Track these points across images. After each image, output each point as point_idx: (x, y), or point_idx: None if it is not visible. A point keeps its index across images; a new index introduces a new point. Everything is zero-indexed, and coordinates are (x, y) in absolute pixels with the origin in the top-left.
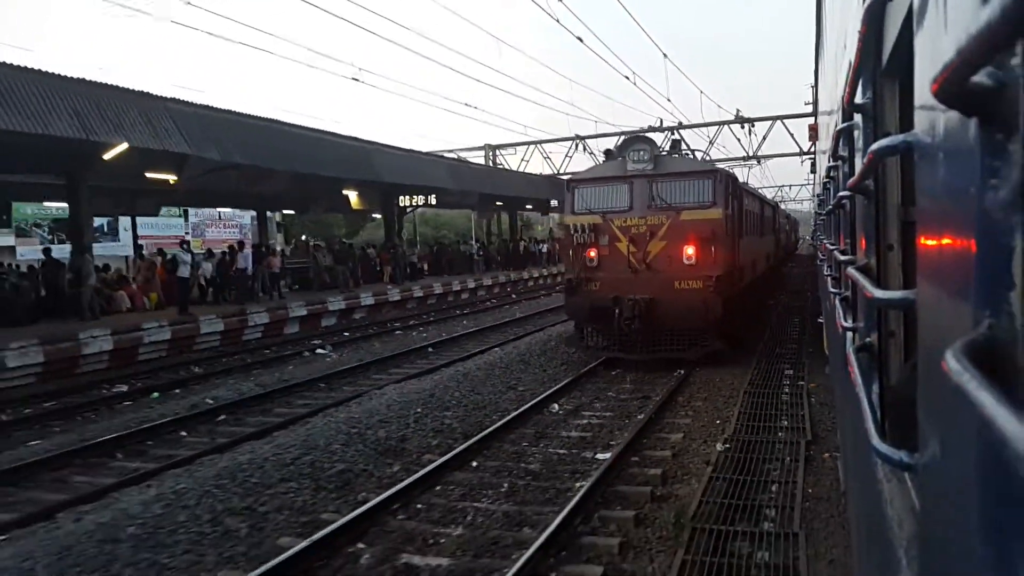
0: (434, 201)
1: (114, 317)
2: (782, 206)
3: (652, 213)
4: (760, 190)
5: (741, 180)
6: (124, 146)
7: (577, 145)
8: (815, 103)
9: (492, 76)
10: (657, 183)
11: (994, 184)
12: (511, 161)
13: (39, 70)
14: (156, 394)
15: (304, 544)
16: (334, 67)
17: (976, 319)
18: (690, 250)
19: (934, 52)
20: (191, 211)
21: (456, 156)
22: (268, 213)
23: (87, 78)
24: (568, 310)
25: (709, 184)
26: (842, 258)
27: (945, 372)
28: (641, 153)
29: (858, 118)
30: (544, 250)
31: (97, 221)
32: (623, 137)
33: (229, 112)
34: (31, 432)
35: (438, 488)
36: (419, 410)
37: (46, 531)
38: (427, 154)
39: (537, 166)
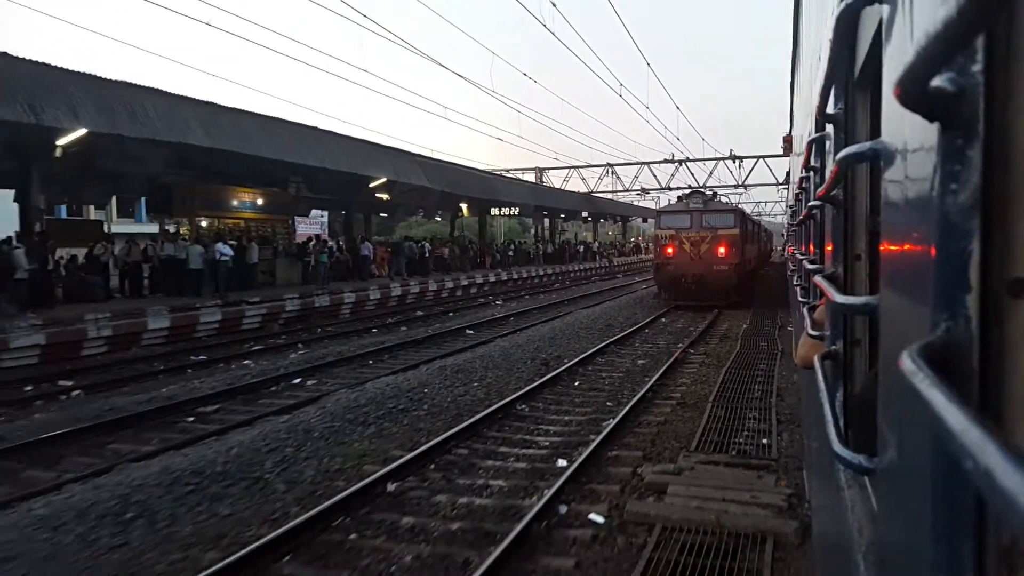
0: (516, 212)
1: (367, 281)
2: (761, 219)
3: (702, 230)
4: (741, 205)
5: (735, 202)
6: (383, 179)
7: (608, 171)
8: (790, 115)
9: (543, 118)
10: (705, 214)
11: (953, 189)
12: (554, 180)
13: (364, 140)
14: (451, 314)
15: (599, 345)
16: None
17: (934, 322)
18: (722, 250)
19: (901, 59)
20: None
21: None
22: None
23: (392, 145)
24: (655, 279)
25: (732, 216)
26: (811, 267)
27: (902, 373)
28: (697, 199)
29: (830, 128)
30: (582, 250)
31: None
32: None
33: (434, 159)
34: (422, 324)
35: (634, 339)
36: (601, 320)
37: (457, 353)
38: (511, 178)
39: (575, 185)
